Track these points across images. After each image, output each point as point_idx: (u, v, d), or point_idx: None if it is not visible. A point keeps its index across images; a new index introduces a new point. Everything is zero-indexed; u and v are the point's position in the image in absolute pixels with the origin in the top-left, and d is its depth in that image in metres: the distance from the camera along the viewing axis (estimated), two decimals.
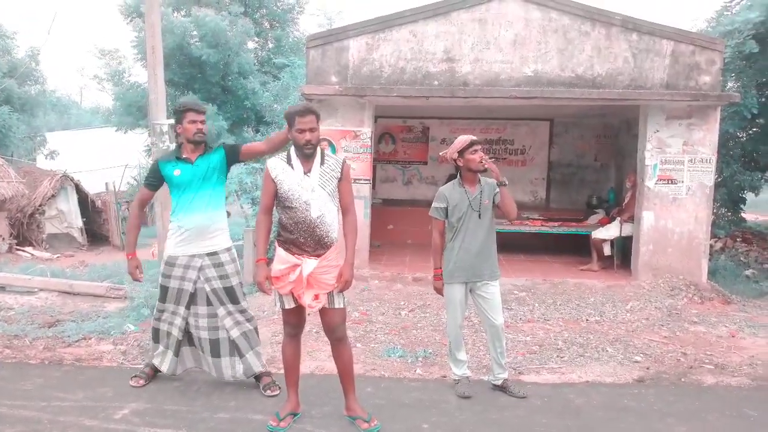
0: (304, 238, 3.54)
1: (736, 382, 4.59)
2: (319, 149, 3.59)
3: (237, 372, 4.23)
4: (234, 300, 4.21)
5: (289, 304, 3.60)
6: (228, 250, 4.26)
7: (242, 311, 4.25)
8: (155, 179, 4.21)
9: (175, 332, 4.24)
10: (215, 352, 4.21)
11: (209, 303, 4.18)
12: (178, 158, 4.13)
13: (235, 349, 4.21)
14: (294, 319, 3.67)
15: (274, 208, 3.65)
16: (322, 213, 3.53)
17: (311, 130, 3.50)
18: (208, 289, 4.15)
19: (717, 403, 4.16)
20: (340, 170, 3.61)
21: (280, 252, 3.60)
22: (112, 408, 3.89)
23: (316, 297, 3.55)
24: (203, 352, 4.26)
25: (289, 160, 3.57)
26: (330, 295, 3.57)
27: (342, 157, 3.79)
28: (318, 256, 3.55)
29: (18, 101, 16.19)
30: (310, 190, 3.53)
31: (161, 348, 4.33)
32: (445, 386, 4.37)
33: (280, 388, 4.15)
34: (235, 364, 4.23)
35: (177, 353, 4.31)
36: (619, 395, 4.28)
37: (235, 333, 4.19)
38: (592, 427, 3.76)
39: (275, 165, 3.57)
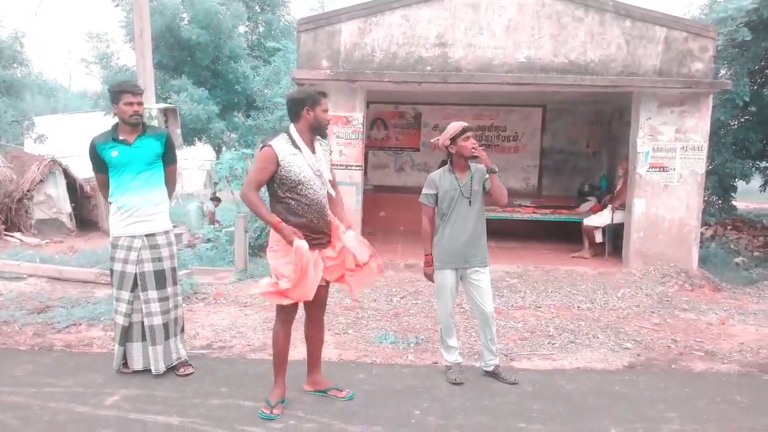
0: (317, 219, 3.58)
1: (726, 369, 4.63)
2: None
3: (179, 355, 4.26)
4: (161, 285, 4.14)
5: None
6: (166, 232, 4.21)
7: (166, 298, 4.16)
8: (100, 162, 4.10)
9: (120, 320, 4.12)
10: (160, 338, 4.14)
11: (159, 286, 4.13)
12: (115, 139, 4.05)
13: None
14: (293, 304, 3.64)
15: (279, 194, 3.53)
16: (326, 193, 3.63)
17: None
18: (137, 271, 4.07)
19: (707, 390, 4.19)
20: (329, 150, 3.77)
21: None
22: (103, 394, 3.86)
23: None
24: (153, 343, 4.11)
25: (294, 143, 3.54)
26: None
27: (326, 139, 3.79)
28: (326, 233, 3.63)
29: (3, 84, 15.93)
30: (320, 171, 3.59)
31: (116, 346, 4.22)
32: (437, 372, 4.38)
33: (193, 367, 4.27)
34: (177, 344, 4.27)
35: (122, 343, 4.16)
36: (609, 381, 4.30)
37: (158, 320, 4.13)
38: (583, 413, 3.78)
39: (283, 148, 3.50)
